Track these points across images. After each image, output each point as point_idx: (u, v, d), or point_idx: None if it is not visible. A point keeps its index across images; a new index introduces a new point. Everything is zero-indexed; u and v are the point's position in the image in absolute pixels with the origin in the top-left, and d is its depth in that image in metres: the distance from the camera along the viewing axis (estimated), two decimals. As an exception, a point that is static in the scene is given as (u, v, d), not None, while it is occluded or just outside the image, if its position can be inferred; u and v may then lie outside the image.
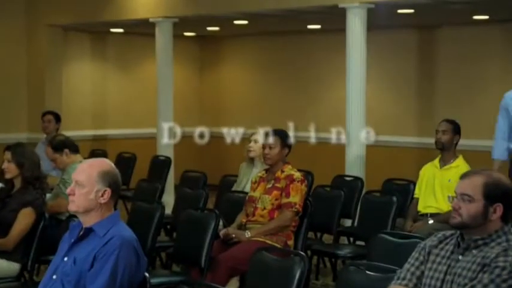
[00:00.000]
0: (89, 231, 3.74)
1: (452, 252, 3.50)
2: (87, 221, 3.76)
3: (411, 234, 5.15)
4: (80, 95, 12.90)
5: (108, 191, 3.73)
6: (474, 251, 3.45)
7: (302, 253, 4.40)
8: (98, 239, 3.69)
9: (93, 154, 10.80)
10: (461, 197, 3.51)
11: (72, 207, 3.76)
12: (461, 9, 9.36)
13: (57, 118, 9.86)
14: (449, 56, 11.25)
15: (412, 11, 9.51)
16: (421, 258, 3.57)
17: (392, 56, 11.76)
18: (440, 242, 3.59)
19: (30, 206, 5.66)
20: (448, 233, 3.62)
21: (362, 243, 7.15)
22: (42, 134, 9.91)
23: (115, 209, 3.84)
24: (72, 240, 3.78)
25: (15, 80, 12.22)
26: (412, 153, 11.51)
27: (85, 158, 9.83)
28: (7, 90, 12.15)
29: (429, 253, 3.57)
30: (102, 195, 3.73)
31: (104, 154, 10.72)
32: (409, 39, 11.67)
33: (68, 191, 3.76)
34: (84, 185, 3.73)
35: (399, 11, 9.50)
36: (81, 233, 3.77)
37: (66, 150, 6.84)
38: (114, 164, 10.92)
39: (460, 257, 3.46)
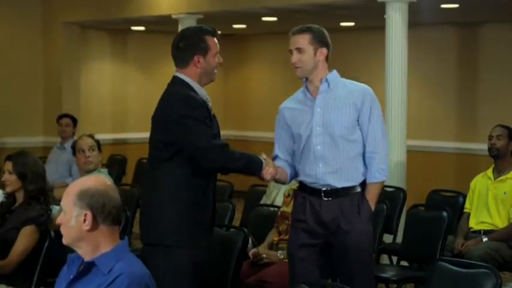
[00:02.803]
0: (90, 265, 3.03)
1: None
2: (84, 253, 3.06)
3: (477, 263, 4.43)
4: (99, 97, 12.50)
5: (89, 214, 3.00)
6: None
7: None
8: (101, 276, 2.98)
9: (112, 159, 10.43)
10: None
11: (63, 240, 3.08)
12: (510, 4, 8.69)
13: (74, 122, 9.37)
14: (493, 55, 10.60)
15: (456, 5, 8.90)
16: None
17: (430, 55, 11.10)
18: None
19: (33, 223, 5.00)
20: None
21: (405, 263, 6.47)
22: (58, 138, 9.34)
23: (122, 238, 3.12)
24: (71, 277, 3.08)
25: (30, 81, 11.82)
26: (450, 159, 10.98)
27: (102, 165, 9.33)
28: (22, 91, 11.74)
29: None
30: (84, 221, 3.02)
31: (123, 159, 10.47)
32: (450, 37, 11.07)
33: (57, 220, 3.08)
34: (65, 210, 3.05)
35: (443, 5, 8.92)
36: (81, 267, 3.06)
37: None
38: (135, 170, 10.35)
39: None
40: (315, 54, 4.48)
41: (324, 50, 4.50)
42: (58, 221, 3.09)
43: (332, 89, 4.50)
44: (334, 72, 4.57)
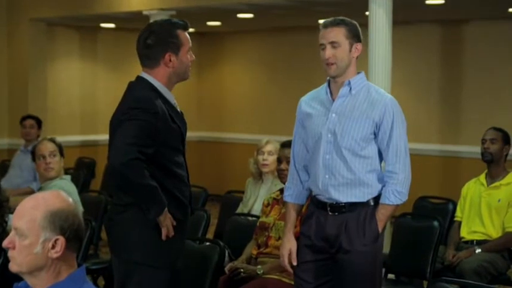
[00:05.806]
0: (40, 298, 2.57)
1: None
2: (37, 284, 2.58)
3: (479, 284, 4.02)
4: (67, 97, 12.11)
5: (61, 240, 2.55)
6: None
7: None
8: (51, 312, 2.52)
9: (81, 162, 10.11)
10: None
11: (13, 267, 2.57)
12: (497, 0, 8.42)
13: (39, 123, 9.01)
14: (479, 54, 10.32)
15: (442, 1, 8.57)
16: None
17: (413, 54, 10.84)
18: None
19: (-14, 238, 4.54)
20: None
21: (393, 276, 6.06)
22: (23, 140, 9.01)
23: (79, 265, 2.65)
24: (16, 311, 2.62)
25: (-5, 80, 11.50)
26: (434, 162, 10.69)
27: (70, 168, 8.88)
28: (-15, 92, 11.42)
29: None
30: (53, 247, 2.56)
31: (92, 162, 10.17)
32: (434, 35, 10.80)
33: (5, 243, 2.58)
34: (25, 233, 2.55)
35: (428, 1, 8.57)
36: (29, 300, 2.60)
37: None
38: (104, 175, 9.98)
39: None
40: (350, 49, 4.04)
41: (359, 46, 4.06)
42: (7, 244, 2.57)
43: (353, 95, 4.07)
44: (361, 75, 4.12)
